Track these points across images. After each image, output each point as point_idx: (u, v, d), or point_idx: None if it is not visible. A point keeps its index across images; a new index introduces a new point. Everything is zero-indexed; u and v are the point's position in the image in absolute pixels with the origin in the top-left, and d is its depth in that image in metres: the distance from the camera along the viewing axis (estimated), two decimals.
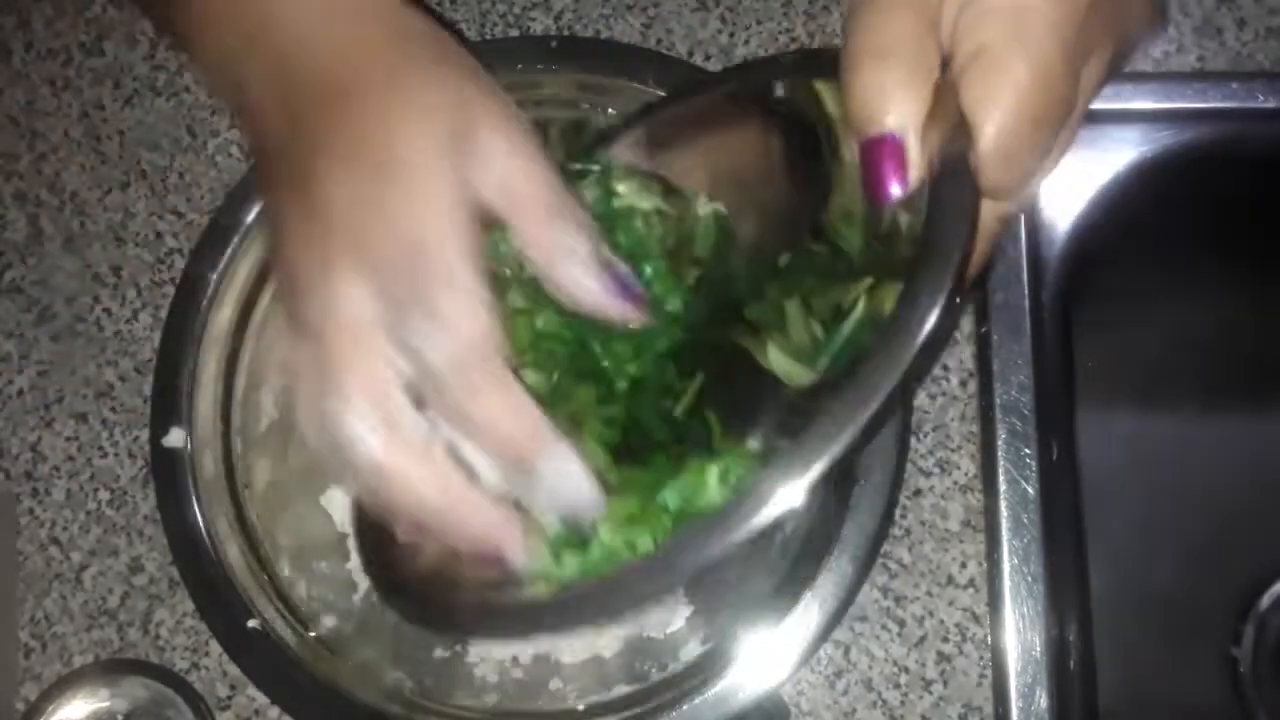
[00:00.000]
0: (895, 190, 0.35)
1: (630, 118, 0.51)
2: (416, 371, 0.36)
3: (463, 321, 0.36)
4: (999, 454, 0.56)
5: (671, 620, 0.58)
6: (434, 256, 0.36)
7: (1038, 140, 0.35)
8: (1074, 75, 0.35)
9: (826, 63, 0.39)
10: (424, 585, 0.42)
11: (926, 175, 0.35)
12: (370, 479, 0.36)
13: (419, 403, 0.36)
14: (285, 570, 0.56)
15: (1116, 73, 0.37)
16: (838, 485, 0.53)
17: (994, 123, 0.34)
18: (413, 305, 0.35)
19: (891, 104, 0.35)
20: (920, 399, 0.58)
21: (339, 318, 0.36)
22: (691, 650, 0.55)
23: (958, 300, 0.34)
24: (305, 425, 0.37)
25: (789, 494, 0.33)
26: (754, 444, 0.40)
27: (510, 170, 0.38)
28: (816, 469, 0.33)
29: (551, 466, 0.37)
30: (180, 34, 0.41)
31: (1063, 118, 0.35)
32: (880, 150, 0.35)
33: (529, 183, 0.38)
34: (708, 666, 0.52)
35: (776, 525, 0.33)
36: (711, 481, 0.38)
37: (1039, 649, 0.53)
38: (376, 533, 0.43)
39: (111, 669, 0.57)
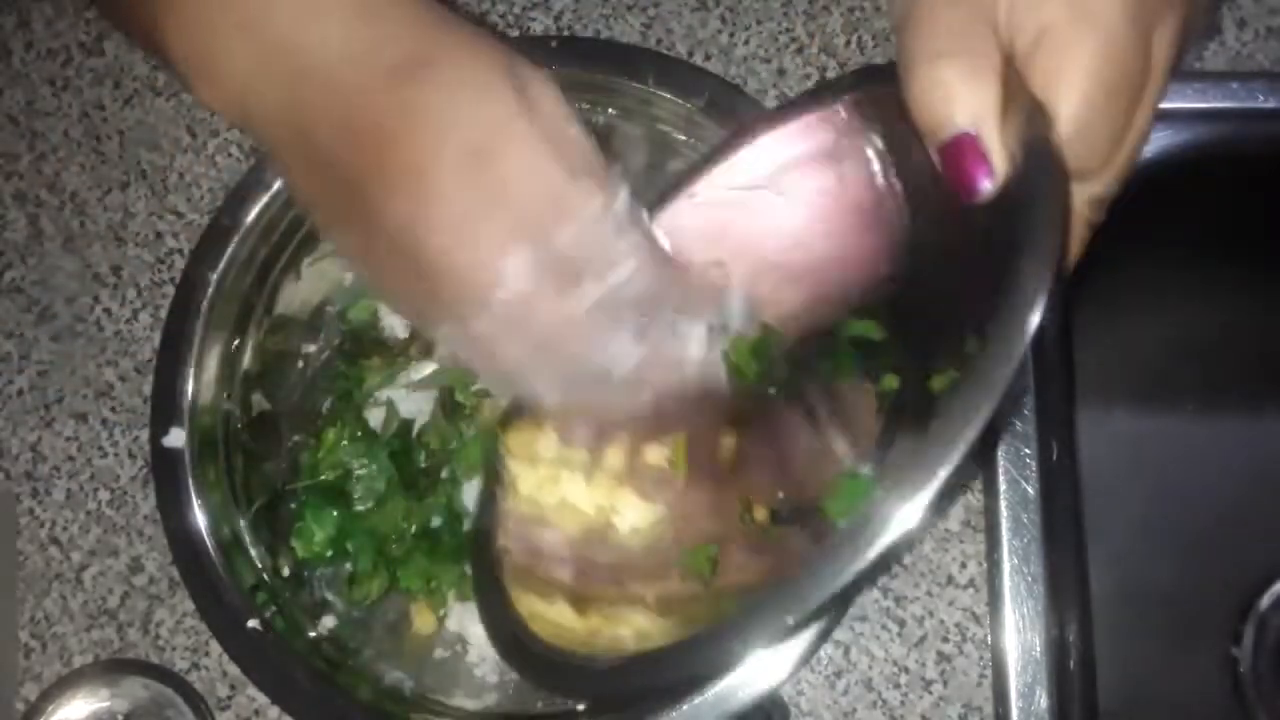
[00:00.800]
0: (985, 185, 0.34)
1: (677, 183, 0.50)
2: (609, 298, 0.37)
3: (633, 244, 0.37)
4: (999, 454, 0.56)
5: None
6: (574, 200, 0.36)
7: (1116, 113, 0.34)
8: (1144, 43, 0.34)
9: (884, 77, 0.38)
10: (548, 651, 0.42)
11: (1011, 167, 0.34)
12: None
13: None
14: (285, 570, 0.56)
15: (1192, 39, 0.36)
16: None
17: (1069, 101, 0.33)
18: (579, 249, 0.36)
19: (958, 101, 0.34)
20: None
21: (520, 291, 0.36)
22: None
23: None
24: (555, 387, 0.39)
25: (909, 512, 0.32)
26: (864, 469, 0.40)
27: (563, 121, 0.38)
28: (939, 478, 0.32)
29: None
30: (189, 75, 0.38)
31: (1139, 88, 0.34)
32: (958, 150, 0.35)
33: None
34: None
35: (896, 550, 0.33)
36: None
37: (1039, 649, 0.53)
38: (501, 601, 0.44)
39: (111, 669, 0.57)
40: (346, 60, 0.35)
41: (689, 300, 0.40)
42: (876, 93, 0.42)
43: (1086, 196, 0.36)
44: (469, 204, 0.35)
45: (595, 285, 0.36)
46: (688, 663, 0.36)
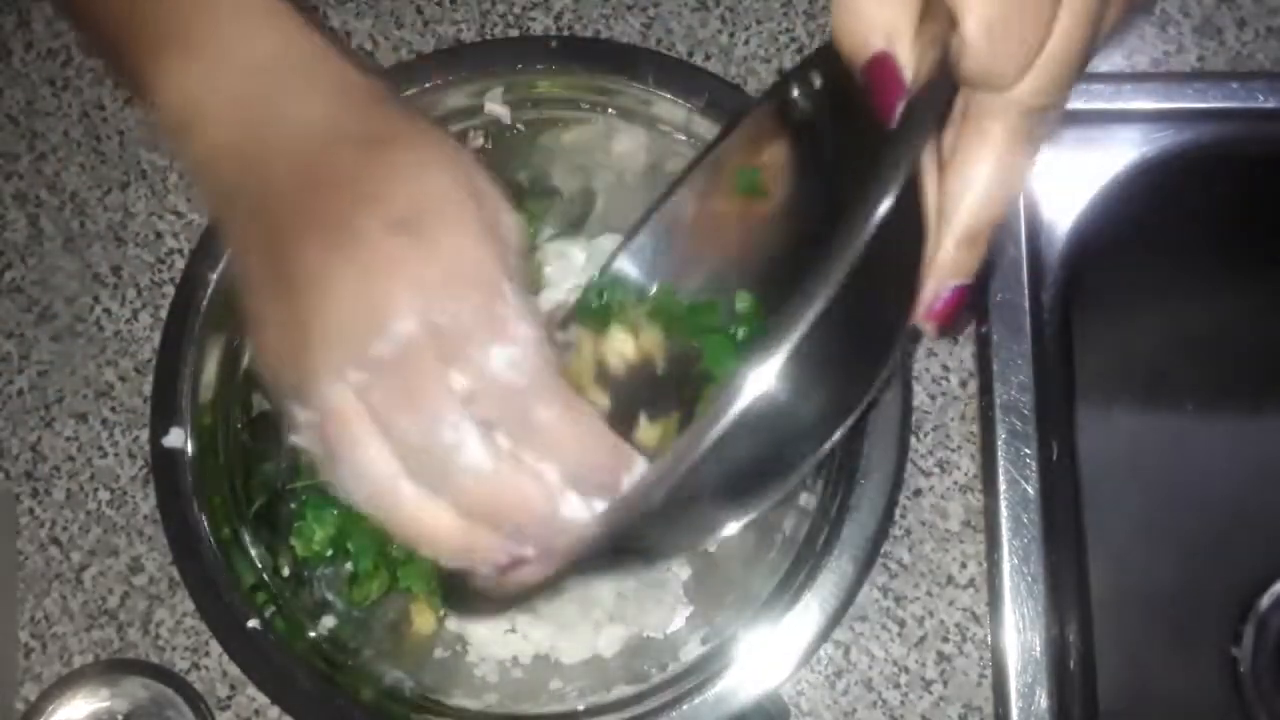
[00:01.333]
0: (900, 106, 0.34)
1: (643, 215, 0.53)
2: (482, 393, 0.35)
3: (529, 349, 0.35)
4: (999, 454, 0.56)
5: (671, 620, 0.58)
6: (487, 284, 0.35)
7: (1027, 12, 0.33)
8: None
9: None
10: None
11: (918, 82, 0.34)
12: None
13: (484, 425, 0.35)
14: (285, 570, 0.56)
15: None
16: (837, 485, 0.53)
17: (972, 5, 0.32)
18: (475, 332, 0.35)
19: (873, 20, 0.34)
20: (920, 399, 0.58)
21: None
22: (691, 650, 0.55)
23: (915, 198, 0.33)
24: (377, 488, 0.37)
25: (759, 378, 0.31)
26: None
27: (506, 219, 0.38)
28: (782, 351, 0.31)
29: (629, 482, 0.36)
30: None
31: None
32: (877, 71, 0.34)
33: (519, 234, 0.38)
34: (708, 666, 0.52)
35: (754, 426, 0.32)
36: None
37: (1039, 649, 0.53)
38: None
39: (111, 669, 0.57)
40: (311, 128, 0.37)
41: (575, 443, 0.36)
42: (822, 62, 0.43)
43: (1018, 109, 0.35)
44: (381, 259, 0.35)
45: (473, 367, 0.35)
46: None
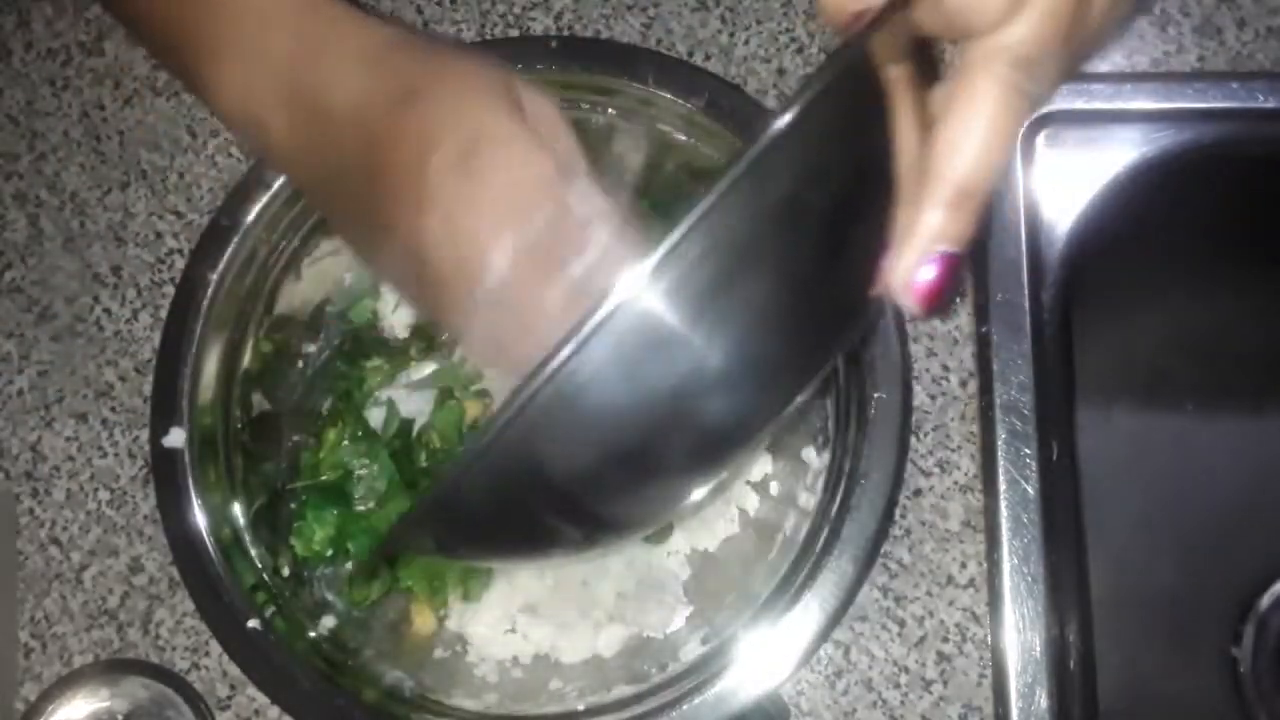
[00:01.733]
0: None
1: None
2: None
3: (609, 234, 0.37)
4: (999, 454, 0.56)
5: (671, 620, 0.58)
6: (556, 191, 0.36)
7: None
8: None
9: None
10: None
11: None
12: None
13: None
14: (285, 570, 0.56)
15: None
16: (837, 485, 0.53)
17: None
18: (561, 237, 0.36)
19: None
20: (920, 399, 0.58)
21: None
22: (691, 650, 0.55)
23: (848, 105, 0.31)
24: None
25: (633, 277, 0.29)
26: None
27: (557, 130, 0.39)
28: (664, 246, 0.28)
29: None
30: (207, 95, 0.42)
31: None
32: (854, 27, 0.33)
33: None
34: (708, 666, 0.52)
35: (634, 345, 0.29)
36: None
37: (1039, 649, 0.53)
38: None
39: (111, 669, 0.57)
40: (356, 101, 0.38)
41: None
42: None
43: (1007, 59, 0.34)
44: (455, 200, 0.36)
45: (577, 267, 0.36)
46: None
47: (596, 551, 0.56)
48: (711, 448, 0.34)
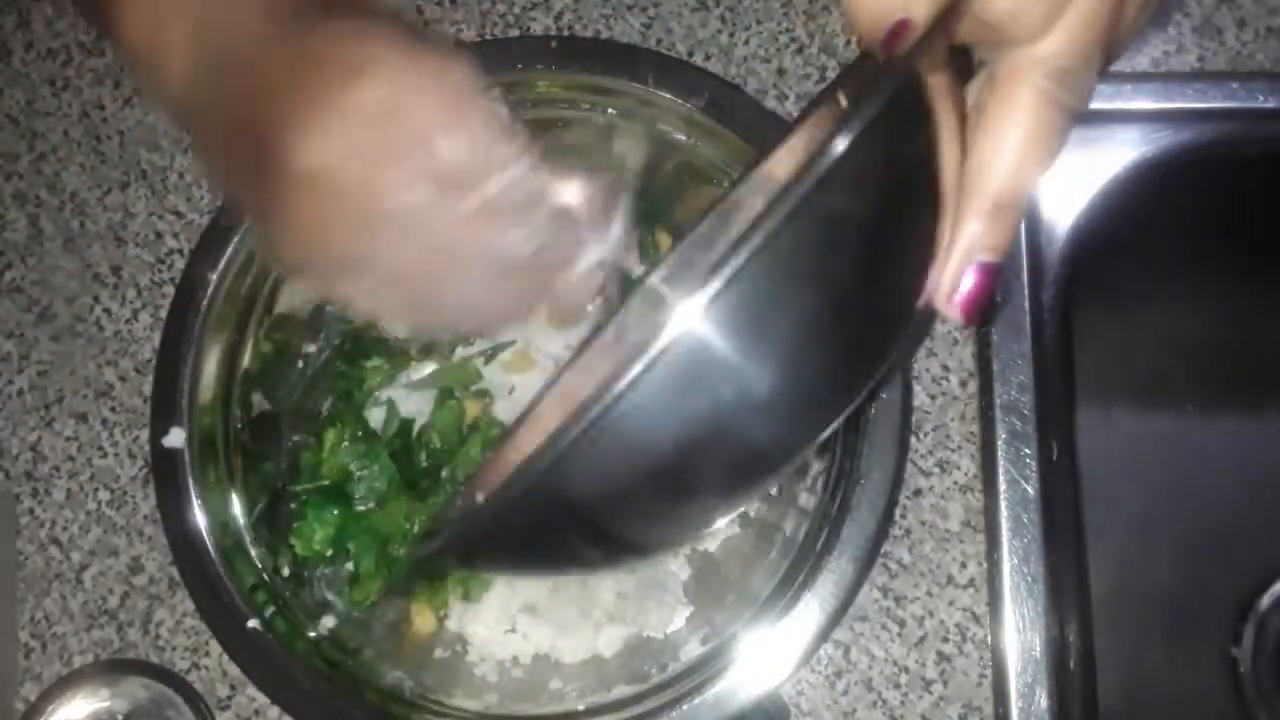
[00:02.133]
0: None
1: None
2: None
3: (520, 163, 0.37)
4: (999, 454, 0.56)
5: (671, 620, 0.58)
6: (459, 113, 0.37)
7: None
8: None
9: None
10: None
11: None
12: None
13: None
14: (285, 570, 0.56)
15: None
16: (837, 485, 0.53)
17: None
18: (473, 164, 0.37)
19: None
20: (920, 399, 0.58)
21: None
22: (691, 650, 0.55)
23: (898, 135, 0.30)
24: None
25: (689, 308, 0.28)
26: None
27: None
28: (722, 276, 0.28)
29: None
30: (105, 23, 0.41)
31: None
32: (894, 39, 0.33)
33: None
34: (708, 666, 0.52)
35: (694, 360, 0.29)
36: None
37: (1039, 649, 0.53)
38: None
39: (111, 669, 0.57)
40: (256, 38, 0.38)
41: (585, 208, 0.39)
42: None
43: (1045, 70, 0.34)
44: (353, 127, 0.36)
45: (486, 188, 0.37)
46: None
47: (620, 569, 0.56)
48: (753, 470, 0.34)
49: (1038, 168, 0.35)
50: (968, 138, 0.35)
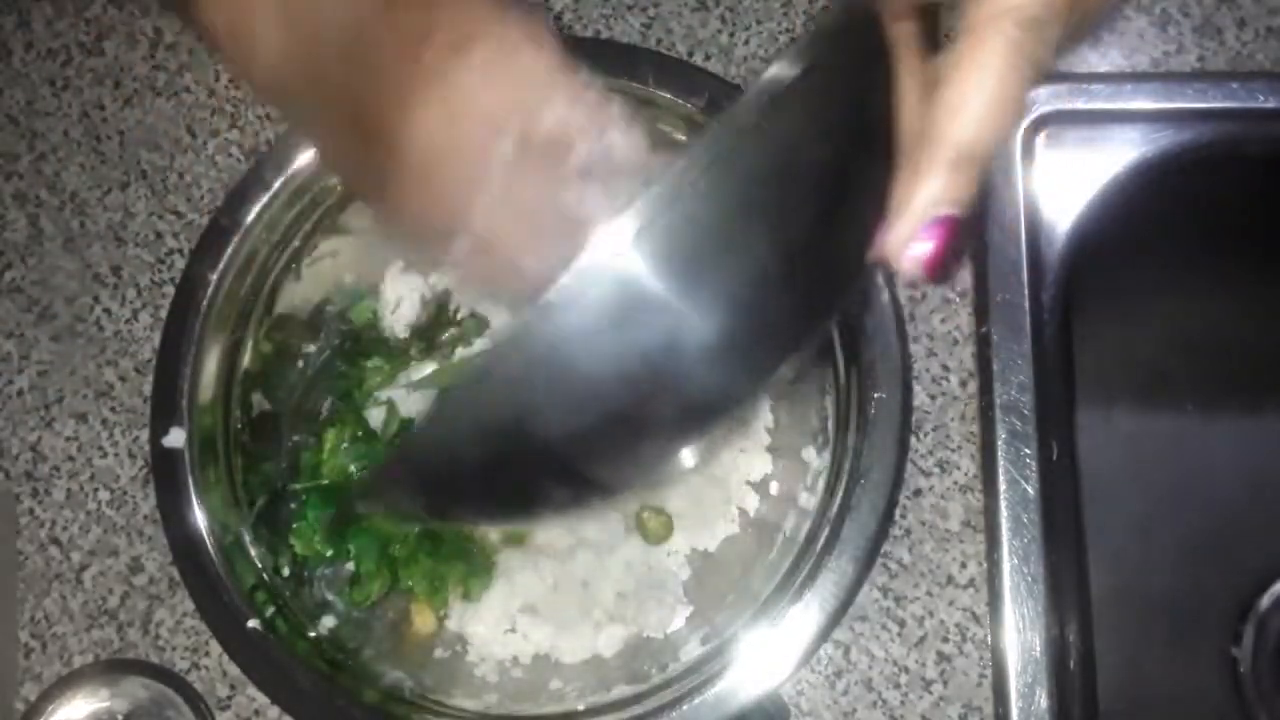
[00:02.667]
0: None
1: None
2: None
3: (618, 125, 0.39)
4: (999, 454, 0.56)
5: (671, 620, 0.58)
6: (551, 82, 0.37)
7: None
8: None
9: None
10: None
11: None
12: None
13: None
14: (285, 570, 0.56)
15: None
16: (837, 485, 0.53)
17: None
18: (571, 125, 0.37)
19: None
20: (920, 399, 0.58)
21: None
22: (691, 650, 0.55)
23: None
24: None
25: (626, 221, 0.28)
26: None
27: None
28: (662, 189, 0.28)
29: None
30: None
31: None
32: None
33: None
34: (708, 666, 0.52)
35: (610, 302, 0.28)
36: None
37: (1039, 649, 0.53)
38: None
39: (111, 669, 0.57)
40: (352, 17, 0.38)
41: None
42: None
43: (1015, 17, 0.33)
44: (449, 97, 0.37)
45: (581, 152, 0.37)
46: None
47: (590, 513, 0.56)
48: (699, 410, 0.33)
49: (1005, 118, 0.34)
50: (935, 94, 0.34)
